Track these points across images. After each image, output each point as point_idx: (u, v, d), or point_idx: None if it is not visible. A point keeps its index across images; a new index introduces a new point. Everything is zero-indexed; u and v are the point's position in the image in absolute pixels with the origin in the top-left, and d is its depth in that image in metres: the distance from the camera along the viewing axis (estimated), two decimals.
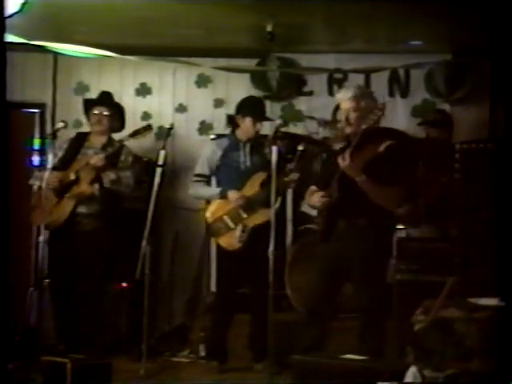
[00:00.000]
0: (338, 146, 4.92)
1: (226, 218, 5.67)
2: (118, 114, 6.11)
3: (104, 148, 5.91)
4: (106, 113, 6.01)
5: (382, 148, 4.72)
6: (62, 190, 5.81)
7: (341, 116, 4.94)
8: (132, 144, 6.09)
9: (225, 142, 5.87)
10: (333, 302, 4.93)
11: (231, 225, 5.65)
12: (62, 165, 5.87)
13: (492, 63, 6.48)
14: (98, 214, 5.87)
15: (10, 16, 4.83)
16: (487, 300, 4.11)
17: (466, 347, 3.83)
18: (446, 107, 6.85)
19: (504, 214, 4.01)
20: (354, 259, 4.76)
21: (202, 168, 5.88)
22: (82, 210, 5.84)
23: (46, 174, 5.60)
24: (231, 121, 5.98)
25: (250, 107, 5.77)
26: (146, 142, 7.01)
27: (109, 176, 5.84)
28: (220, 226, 5.68)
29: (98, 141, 6.02)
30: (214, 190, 5.81)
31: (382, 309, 4.90)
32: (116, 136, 6.08)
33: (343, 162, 4.70)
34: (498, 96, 6.39)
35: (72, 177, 5.80)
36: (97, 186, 5.82)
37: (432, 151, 6.00)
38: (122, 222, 6.34)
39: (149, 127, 5.94)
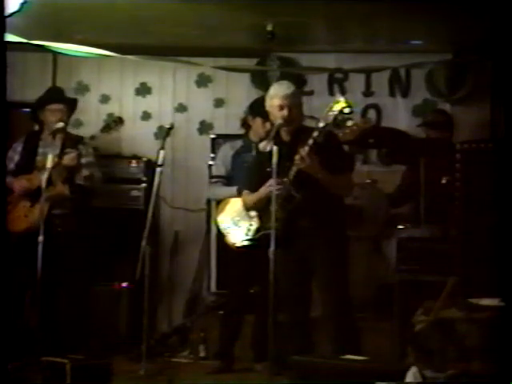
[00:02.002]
0: (267, 147, 4.80)
1: (235, 216, 5.66)
2: (69, 108, 5.96)
3: (64, 144, 5.75)
4: (57, 108, 5.85)
5: (319, 137, 4.65)
6: (33, 193, 5.66)
7: (274, 112, 4.88)
8: (132, 144, 6.06)
9: (238, 143, 5.89)
10: (305, 302, 4.96)
11: (239, 223, 5.63)
12: (24, 168, 5.75)
13: (493, 63, 6.47)
14: (74, 213, 5.77)
15: (10, 15, 4.82)
16: (487, 300, 4.11)
17: (467, 348, 3.84)
18: (447, 107, 6.84)
19: (504, 214, 4.01)
20: (318, 259, 4.78)
21: (217, 169, 5.91)
22: (56, 211, 5.71)
23: (12, 180, 5.60)
24: (244, 123, 5.97)
25: (259, 107, 5.74)
26: (145, 141, 7.03)
27: (81, 173, 5.74)
28: (229, 226, 5.67)
29: (56, 137, 5.82)
30: (231, 189, 5.78)
31: (350, 308, 4.89)
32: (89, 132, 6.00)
33: (303, 161, 4.64)
34: (498, 96, 6.37)
35: (43, 179, 5.67)
36: (67, 185, 5.72)
37: (432, 151, 5.99)
38: (122, 222, 6.32)
39: (119, 120, 5.85)
